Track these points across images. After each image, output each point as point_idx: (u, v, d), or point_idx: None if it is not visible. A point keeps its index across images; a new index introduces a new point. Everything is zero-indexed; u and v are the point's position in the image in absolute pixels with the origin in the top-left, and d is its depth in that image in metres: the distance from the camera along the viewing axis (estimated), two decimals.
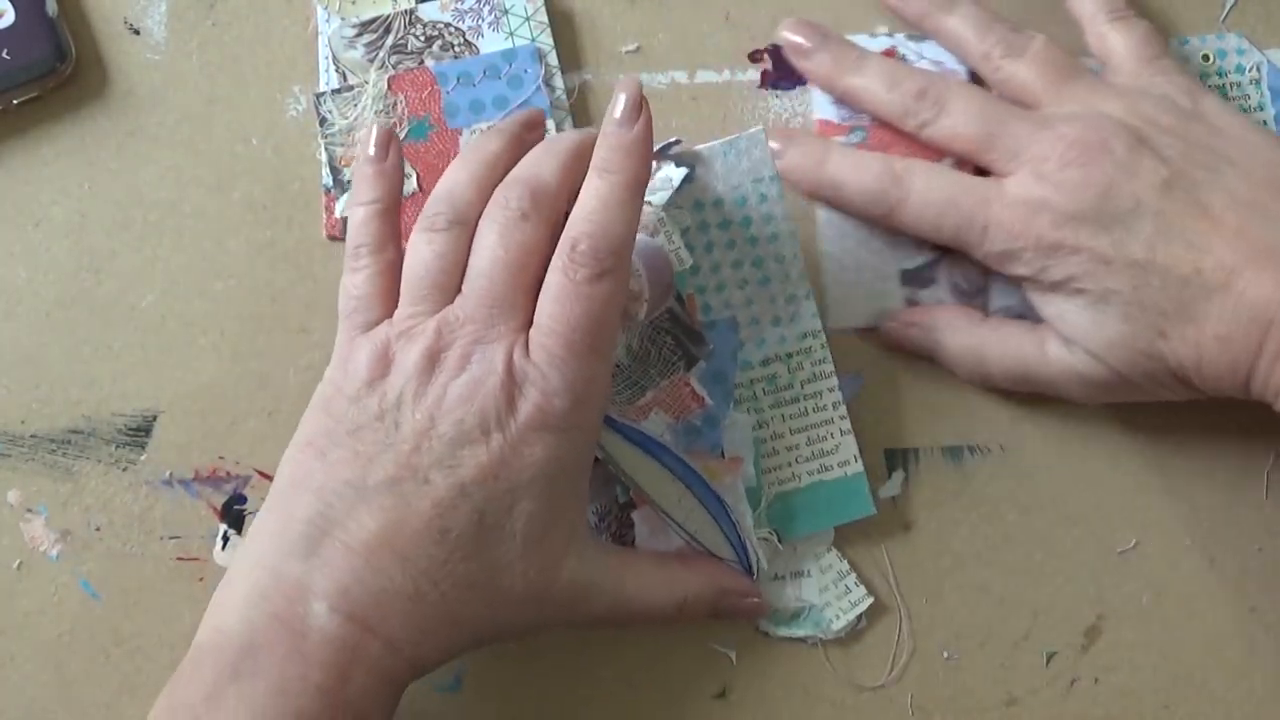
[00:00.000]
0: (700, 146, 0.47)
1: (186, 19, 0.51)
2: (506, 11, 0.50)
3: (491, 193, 0.41)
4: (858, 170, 0.47)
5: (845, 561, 0.48)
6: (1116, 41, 0.48)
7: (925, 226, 0.46)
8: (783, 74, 0.51)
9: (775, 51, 0.51)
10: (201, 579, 0.48)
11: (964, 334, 0.48)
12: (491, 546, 0.39)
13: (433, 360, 0.40)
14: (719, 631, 0.48)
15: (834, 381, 0.47)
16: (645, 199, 0.44)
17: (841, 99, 0.50)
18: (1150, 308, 0.42)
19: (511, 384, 0.39)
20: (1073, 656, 0.48)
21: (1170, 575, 0.49)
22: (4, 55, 0.48)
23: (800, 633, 0.48)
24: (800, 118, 0.51)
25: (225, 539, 0.48)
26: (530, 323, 0.40)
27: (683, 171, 0.46)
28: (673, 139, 0.47)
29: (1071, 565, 0.49)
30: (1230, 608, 0.49)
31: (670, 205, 0.46)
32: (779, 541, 0.47)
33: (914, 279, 0.49)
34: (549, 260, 0.40)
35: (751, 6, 0.52)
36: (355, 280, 0.42)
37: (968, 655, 0.48)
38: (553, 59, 0.50)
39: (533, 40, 0.50)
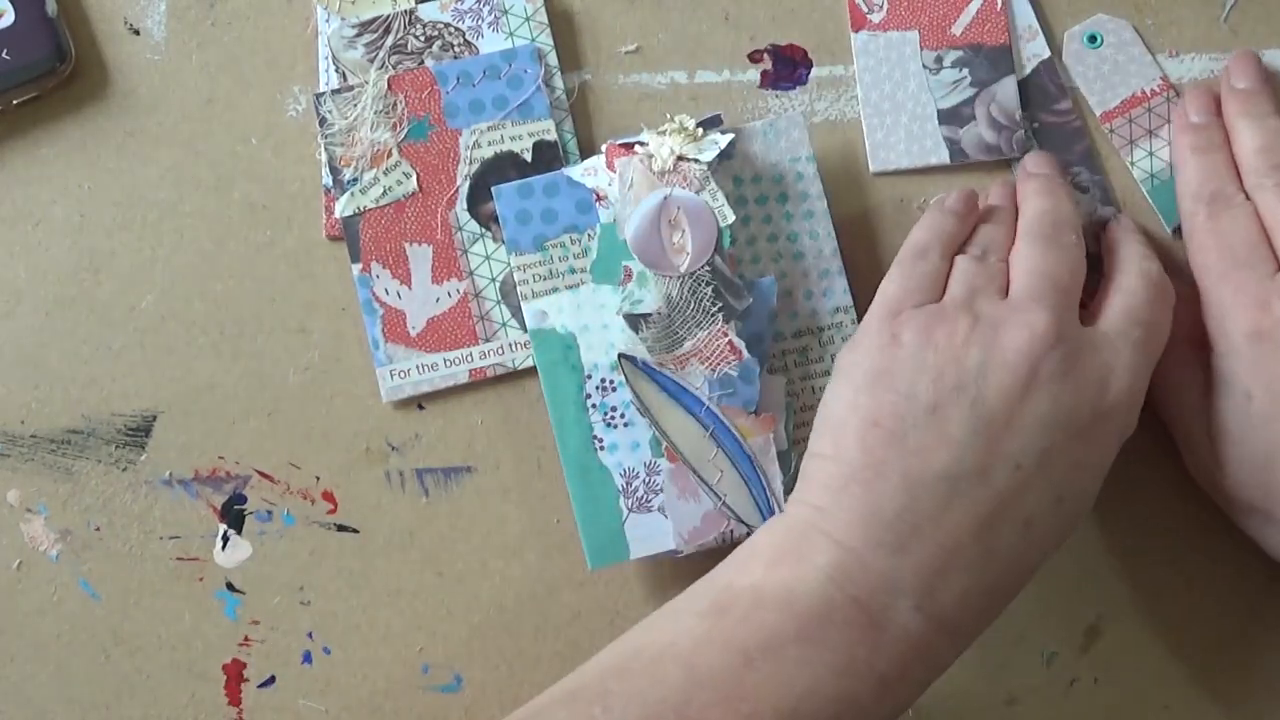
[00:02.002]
0: (741, 126, 0.48)
1: (186, 19, 0.51)
2: (506, 11, 0.50)
3: (1015, 226, 0.46)
4: (1190, 161, 0.48)
5: None
6: None
7: (1204, 254, 0.46)
8: (782, 74, 0.51)
9: (775, 52, 0.51)
10: (201, 579, 0.48)
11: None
12: (1061, 530, 0.41)
13: (1036, 339, 0.40)
14: None
15: None
16: (694, 158, 0.46)
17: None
18: None
19: (1104, 366, 0.41)
20: (1073, 656, 0.48)
21: (1170, 575, 0.49)
22: (4, 55, 0.48)
23: None
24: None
25: (225, 539, 0.48)
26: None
27: (730, 136, 0.47)
28: (716, 113, 0.48)
29: (1071, 565, 0.49)
30: (1230, 608, 0.49)
31: (715, 165, 0.47)
32: None
33: (952, 117, 0.50)
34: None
35: (751, 6, 0.52)
36: (901, 273, 0.44)
37: (968, 655, 0.48)
38: (552, 59, 0.50)
39: (532, 40, 0.50)
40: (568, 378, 0.47)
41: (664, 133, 0.47)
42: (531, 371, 0.49)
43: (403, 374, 0.48)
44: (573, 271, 0.47)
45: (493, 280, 0.49)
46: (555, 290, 0.47)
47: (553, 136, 0.49)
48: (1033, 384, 0.39)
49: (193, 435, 0.49)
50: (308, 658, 0.48)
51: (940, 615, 0.39)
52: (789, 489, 0.46)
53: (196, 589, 0.48)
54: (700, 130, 0.47)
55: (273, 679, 0.48)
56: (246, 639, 0.48)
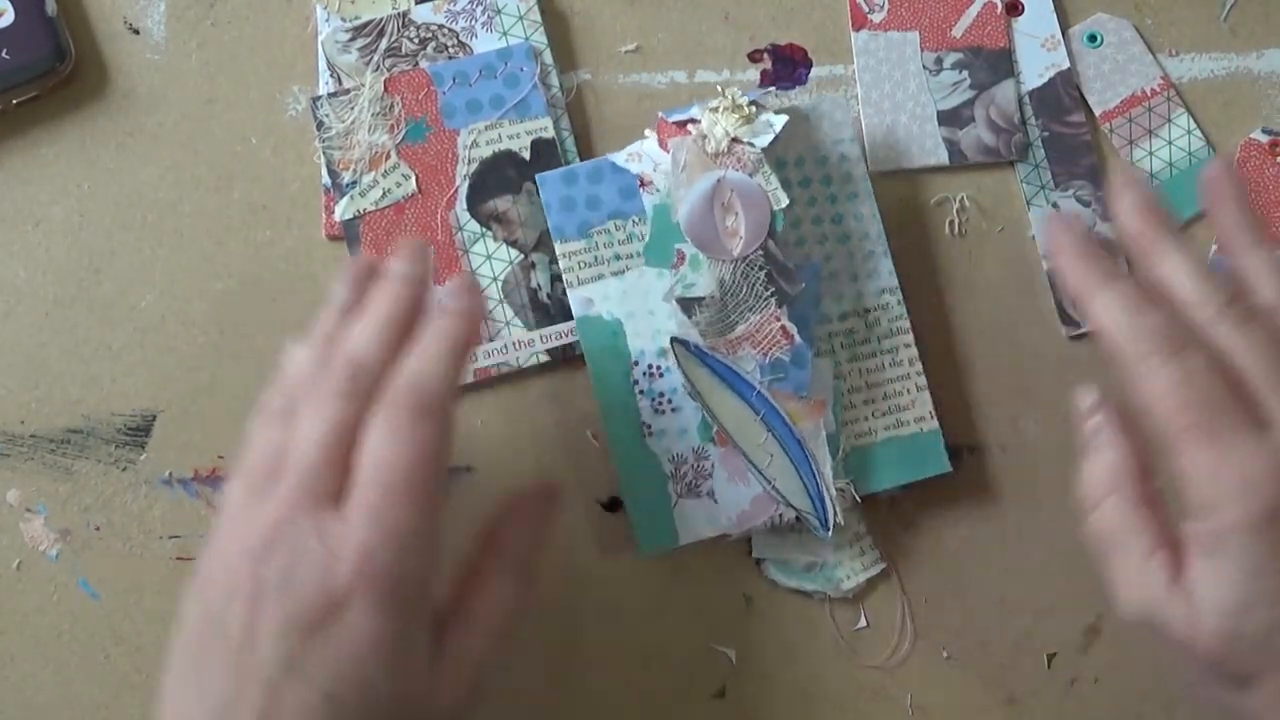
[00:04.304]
0: (785, 105, 0.48)
1: (186, 19, 0.51)
2: (499, 11, 0.50)
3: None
4: (1135, 310, 0.40)
5: (863, 524, 0.48)
6: None
7: (1167, 404, 0.38)
8: (782, 74, 0.51)
9: (775, 51, 0.51)
10: None
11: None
12: (369, 714, 0.37)
13: (249, 552, 0.38)
14: (719, 632, 0.48)
15: (910, 338, 0.48)
16: (748, 141, 0.46)
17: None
18: None
19: (327, 554, 0.37)
20: (1073, 656, 0.48)
21: None
22: (4, 55, 0.48)
23: (810, 587, 0.48)
24: None
25: None
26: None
27: (783, 119, 0.47)
28: (770, 89, 0.48)
29: (1071, 565, 0.48)
30: None
31: (770, 149, 0.46)
32: (855, 494, 0.47)
33: (952, 118, 0.51)
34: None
35: (751, 6, 0.52)
36: None
37: (968, 655, 0.48)
38: (547, 57, 0.50)
39: (526, 39, 0.50)
40: (615, 364, 0.47)
41: (716, 109, 0.46)
42: (533, 372, 0.49)
43: None
44: (618, 258, 0.47)
45: (494, 280, 0.49)
46: (601, 277, 0.47)
47: (550, 134, 0.49)
48: (259, 601, 0.37)
49: (192, 435, 0.49)
50: None
51: None
52: (836, 474, 0.46)
53: None
54: (753, 108, 0.46)
55: None
56: None
